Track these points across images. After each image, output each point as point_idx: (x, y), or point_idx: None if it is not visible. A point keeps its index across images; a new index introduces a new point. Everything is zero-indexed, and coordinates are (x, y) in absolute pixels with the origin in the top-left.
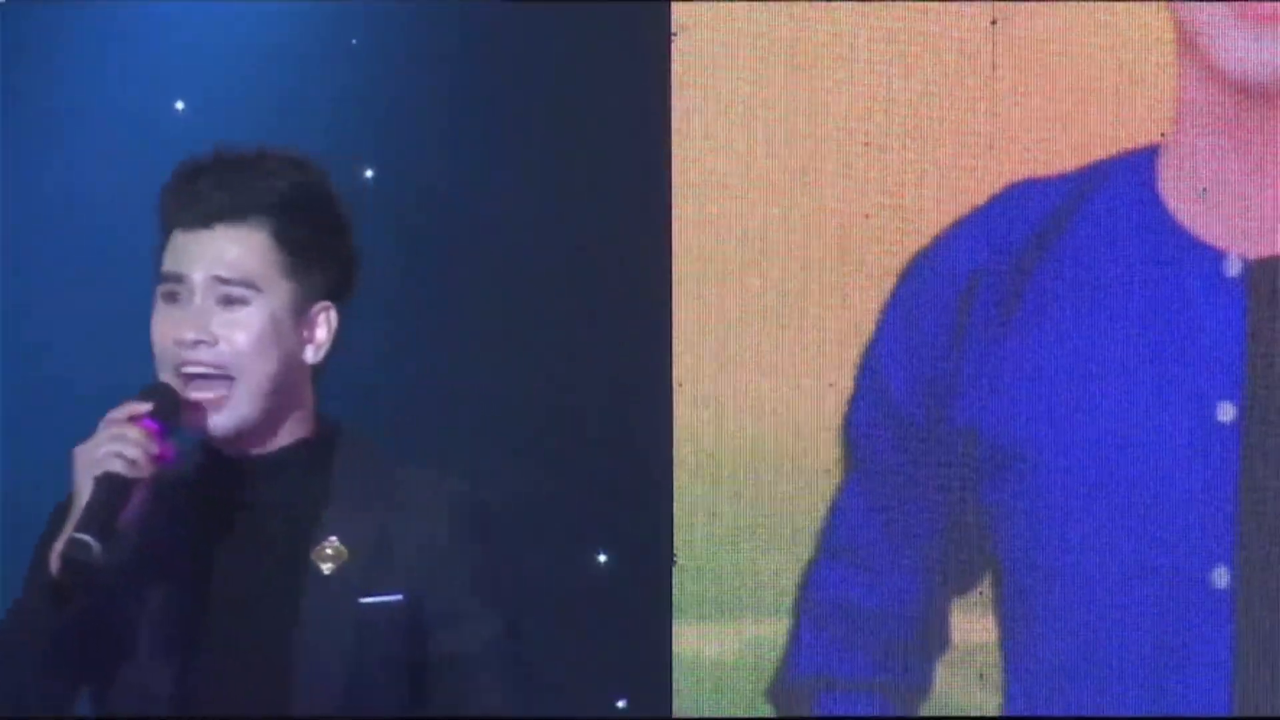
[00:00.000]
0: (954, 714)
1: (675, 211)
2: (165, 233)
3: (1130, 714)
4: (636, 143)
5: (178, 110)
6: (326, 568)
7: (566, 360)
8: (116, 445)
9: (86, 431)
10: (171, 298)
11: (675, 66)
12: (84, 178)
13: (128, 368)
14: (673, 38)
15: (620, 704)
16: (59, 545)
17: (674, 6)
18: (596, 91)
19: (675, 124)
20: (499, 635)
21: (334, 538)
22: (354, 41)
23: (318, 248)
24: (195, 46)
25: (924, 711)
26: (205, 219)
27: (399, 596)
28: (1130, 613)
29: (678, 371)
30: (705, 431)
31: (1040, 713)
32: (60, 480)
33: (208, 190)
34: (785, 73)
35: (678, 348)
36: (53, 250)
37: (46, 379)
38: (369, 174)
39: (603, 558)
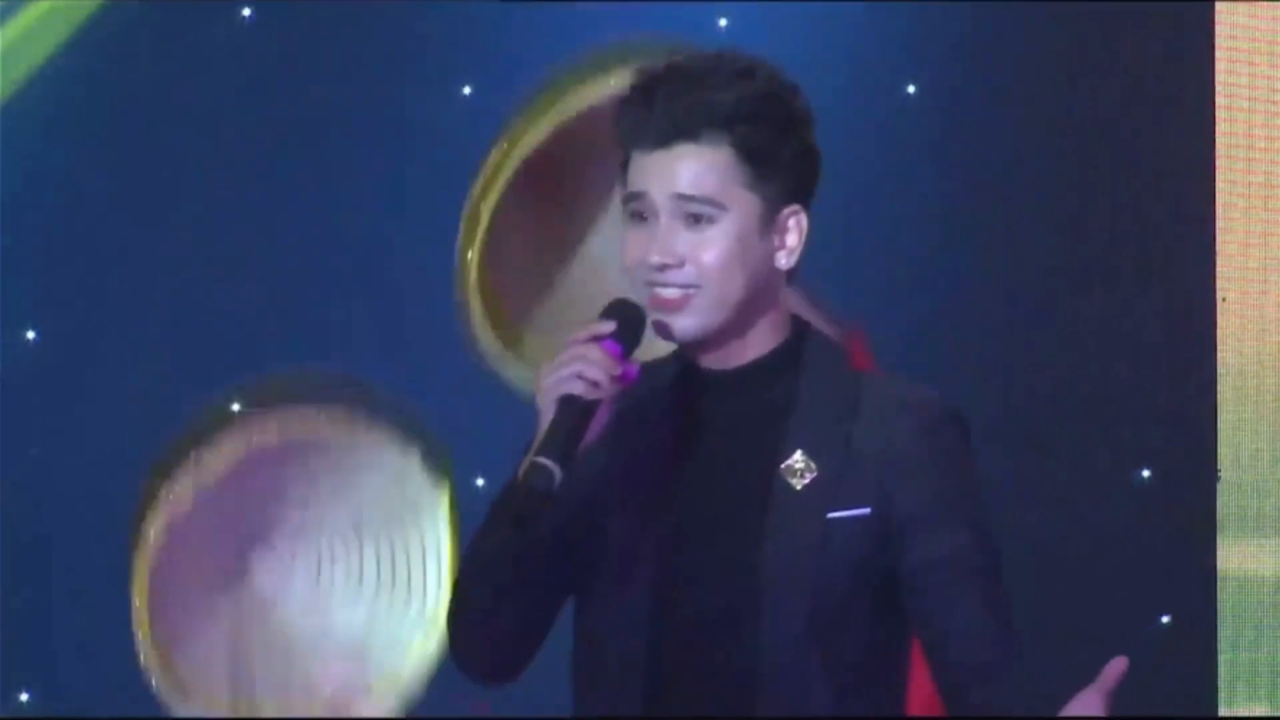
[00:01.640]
0: None
1: (1218, 140)
2: (624, 152)
3: None
4: (1183, 90)
5: None
6: (796, 483)
7: (1111, 278)
8: (578, 366)
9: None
10: (637, 216)
11: (1219, 31)
12: None
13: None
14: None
15: (1164, 619)
16: (520, 469)
17: None
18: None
19: (1219, 84)
20: (969, 545)
21: (800, 451)
22: None
23: (776, 155)
24: None
25: None
26: (660, 140)
27: (866, 510)
28: None
29: (1221, 286)
30: (1249, 347)
31: None
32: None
33: (660, 110)
34: None
35: (1221, 263)
36: None
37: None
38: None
39: (1145, 473)
